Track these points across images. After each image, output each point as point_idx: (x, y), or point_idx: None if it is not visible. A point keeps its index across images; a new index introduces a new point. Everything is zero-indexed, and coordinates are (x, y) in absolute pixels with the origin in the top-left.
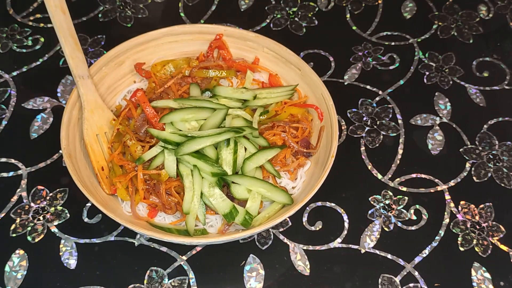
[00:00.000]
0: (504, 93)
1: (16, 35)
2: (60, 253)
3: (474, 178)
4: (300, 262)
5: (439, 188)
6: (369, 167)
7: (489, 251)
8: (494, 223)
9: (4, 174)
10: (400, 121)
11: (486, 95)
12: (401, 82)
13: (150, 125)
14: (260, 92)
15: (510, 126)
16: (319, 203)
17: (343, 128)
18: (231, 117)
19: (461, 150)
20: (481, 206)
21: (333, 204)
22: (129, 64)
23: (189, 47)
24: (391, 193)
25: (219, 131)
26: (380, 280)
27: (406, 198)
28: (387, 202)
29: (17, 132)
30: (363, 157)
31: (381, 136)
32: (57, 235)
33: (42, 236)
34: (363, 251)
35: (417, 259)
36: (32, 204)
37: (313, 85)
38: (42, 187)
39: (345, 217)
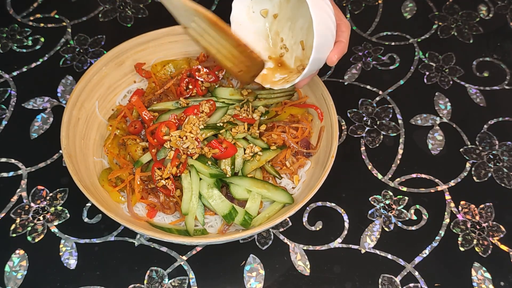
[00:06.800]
0: (504, 93)
1: (16, 35)
2: (60, 253)
3: (474, 178)
4: (300, 262)
5: (439, 188)
6: (369, 167)
7: (489, 251)
8: (494, 223)
9: (4, 174)
10: (400, 121)
11: (486, 95)
12: (401, 82)
13: (147, 128)
14: (260, 92)
15: (510, 126)
16: (319, 203)
17: (343, 128)
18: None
19: (461, 150)
20: (481, 206)
21: (333, 204)
22: (129, 64)
23: (190, 47)
24: (391, 193)
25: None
26: (380, 280)
27: (406, 198)
28: (387, 202)
29: (17, 132)
30: (363, 157)
31: (381, 136)
32: (57, 235)
33: (42, 236)
34: (363, 251)
35: (417, 259)
36: (32, 204)
37: (313, 85)
38: (42, 187)
39: (345, 217)
